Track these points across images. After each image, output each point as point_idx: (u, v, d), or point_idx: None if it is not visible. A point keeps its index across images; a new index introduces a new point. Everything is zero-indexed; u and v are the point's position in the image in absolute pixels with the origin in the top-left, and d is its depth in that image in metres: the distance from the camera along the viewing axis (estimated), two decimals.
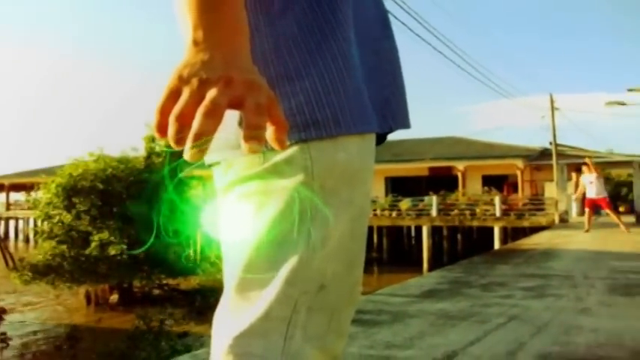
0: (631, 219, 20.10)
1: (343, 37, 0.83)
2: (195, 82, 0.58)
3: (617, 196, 29.66)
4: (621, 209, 25.36)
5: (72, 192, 15.13)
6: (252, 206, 0.79)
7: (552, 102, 24.06)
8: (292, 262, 0.77)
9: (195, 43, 0.63)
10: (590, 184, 12.88)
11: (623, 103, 24.51)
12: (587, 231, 13.12)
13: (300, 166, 0.78)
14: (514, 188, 29.17)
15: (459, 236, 26.47)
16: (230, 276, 0.83)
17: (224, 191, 0.84)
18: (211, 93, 0.57)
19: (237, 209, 0.82)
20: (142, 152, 16.74)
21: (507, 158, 29.10)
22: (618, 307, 4.11)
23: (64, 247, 15.01)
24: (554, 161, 23.73)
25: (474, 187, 29.54)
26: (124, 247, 14.31)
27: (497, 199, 24.53)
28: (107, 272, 14.42)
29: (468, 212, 25.30)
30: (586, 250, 9.23)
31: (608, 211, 13.29)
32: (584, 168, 13.23)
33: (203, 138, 0.55)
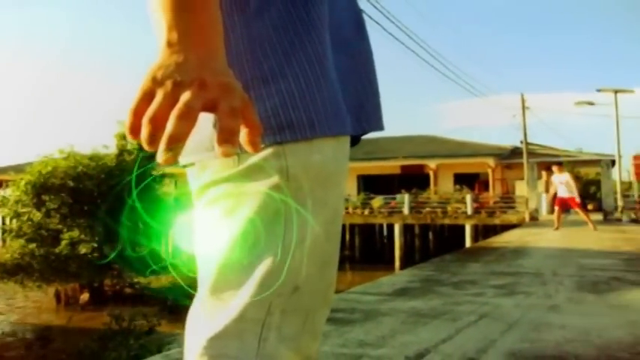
0: (599, 217, 20.47)
1: (319, 39, 0.83)
2: (169, 84, 0.57)
3: (586, 194, 30.20)
4: (590, 207, 25.84)
5: (42, 190, 14.85)
6: (227, 208, 0.79)
7: (523, 101, 24.42)
8: (266, 264, 0.77)
9: (170, 44, 0.62)
10: (561, 184, 13.10)
11: (592, 103, 25.05)
12: (556, 229, 13.35)
13: (275, 169, 0.78)
14: (485, 186, 29.51)
15: (430, 234, 26.65)
16: (204, 277, 0.82)
17: (198, 193, 0.84)
18: (185, 96, 0.56)
19: (212, 211, 0.81)
20: (113, 150, 16.52)
21: (479, 157, 29.43)
22: (586, 304, 4.18)
23: (34, 245, 14.73)
24: (524, 160, 24.07)
25: (445, 185, 29.80)
26: (95, 245, 14.12)
27: (468, 198, 24.77)
28: (77, 271, 14.20)
29: (439, 210, 25.52)
30: (555, 248, 9.37)
31: (577, 209, 13.56)
32: (554, 167, 13.45)
33: (176, 141, 0.55)
